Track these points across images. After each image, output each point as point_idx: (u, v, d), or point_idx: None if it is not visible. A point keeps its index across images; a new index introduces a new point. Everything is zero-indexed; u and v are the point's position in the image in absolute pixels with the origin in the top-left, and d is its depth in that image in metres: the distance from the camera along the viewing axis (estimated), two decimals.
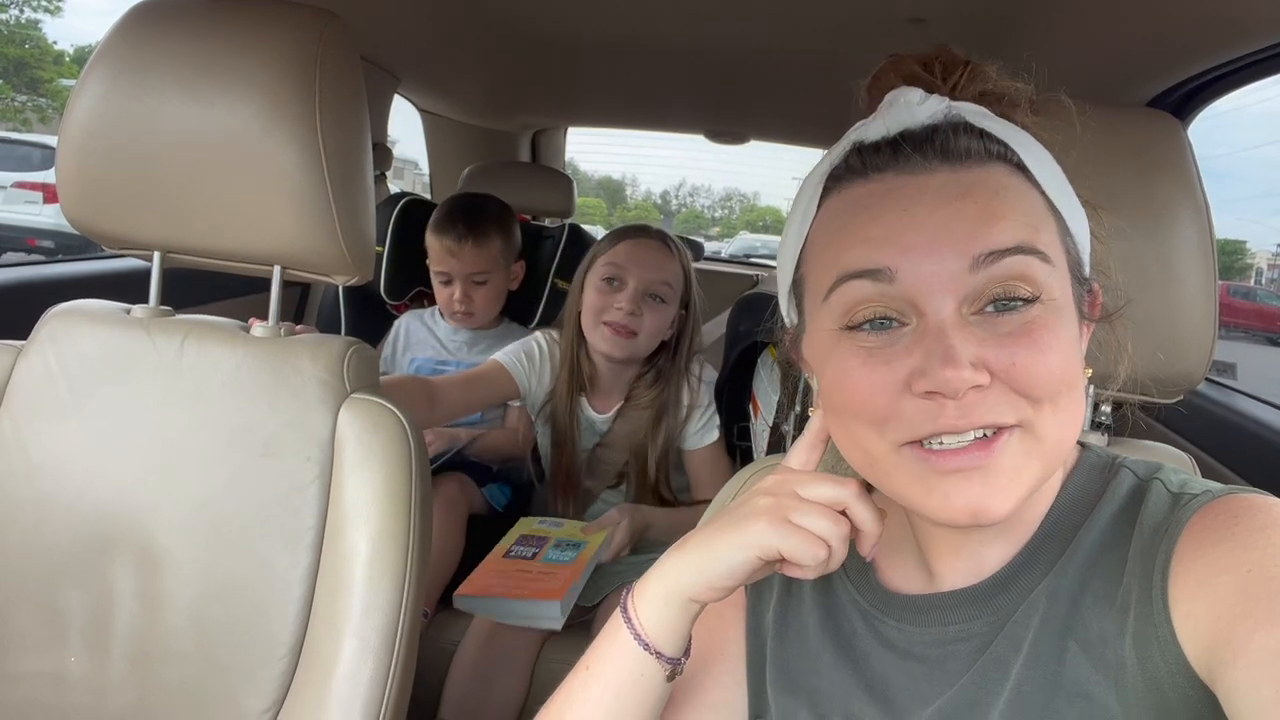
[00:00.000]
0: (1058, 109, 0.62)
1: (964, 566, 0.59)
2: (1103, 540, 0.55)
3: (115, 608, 0.87)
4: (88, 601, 0.88)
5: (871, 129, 0.58)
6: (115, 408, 0.91)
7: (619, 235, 1.60)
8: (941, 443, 0.52)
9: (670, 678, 0.59)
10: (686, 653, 0.60)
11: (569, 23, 1.98)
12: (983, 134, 0.56)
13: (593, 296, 1.56)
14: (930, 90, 0.58)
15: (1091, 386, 0.80)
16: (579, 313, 1.60)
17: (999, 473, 0.51)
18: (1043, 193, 0.56)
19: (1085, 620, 0.53)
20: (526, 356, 1.64)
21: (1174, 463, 0.81)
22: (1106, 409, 0.83)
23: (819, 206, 0.59)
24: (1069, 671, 0.52)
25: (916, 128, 0.56)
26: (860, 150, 0.57)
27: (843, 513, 0.56)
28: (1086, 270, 0.59)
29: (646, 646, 0.58)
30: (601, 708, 0.59)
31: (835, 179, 0.58)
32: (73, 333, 0.94)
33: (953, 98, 0.58)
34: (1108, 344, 0.65)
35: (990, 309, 0.52)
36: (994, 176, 0.54)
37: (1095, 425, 0.82)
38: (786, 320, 0.66)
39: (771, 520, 0.55)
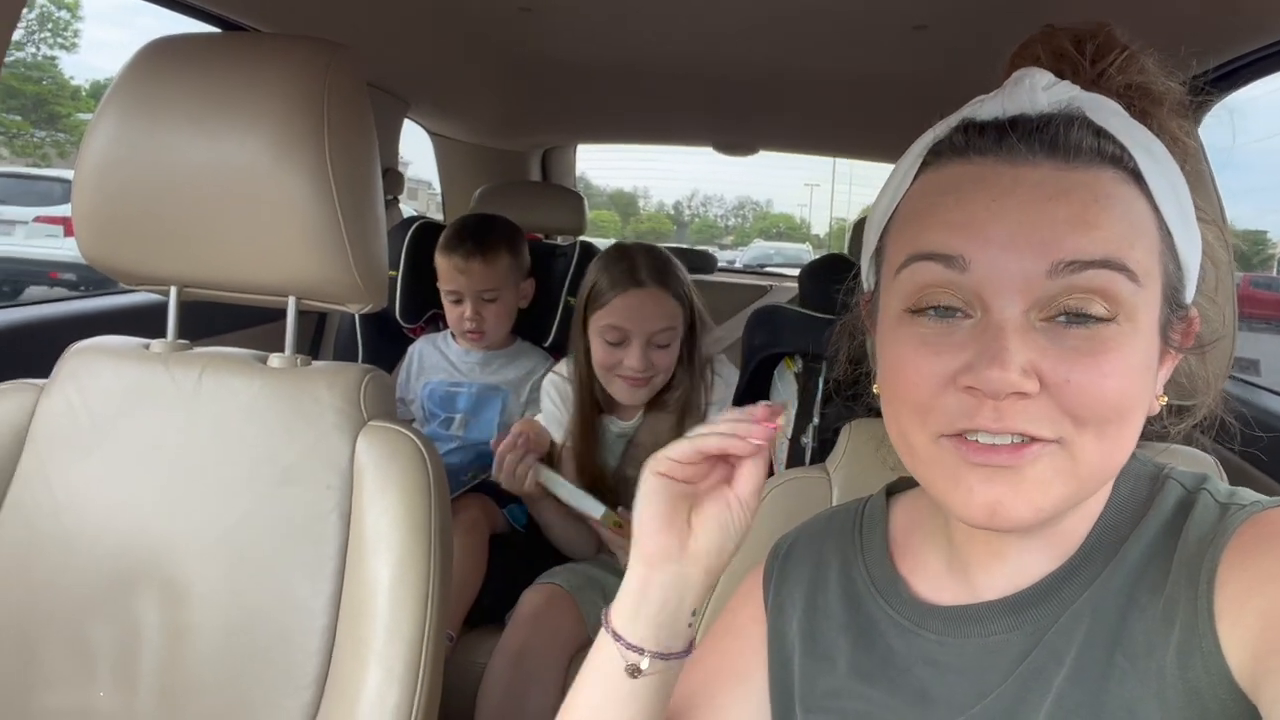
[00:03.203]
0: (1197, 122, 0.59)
1: (1005, 573, 0.58)
2: (1149, 553, 0.54)
3: (142, 641, 0.88)
4: (115, 636, 0.88)
5: (986, 107, 0.55)
6: (137, 442, 0.92)
7: (614, 282, 1.54)
8: (978, 438, 0.51)
9: (632, 672, 0.59)
10: (664, 657, 0.60)
11: (576, 45, 1.99)
12: (1100, 132, 0.52)
13: (600, 353, 1.56)
14: (1075, 71, 0.55)
15: None
16: (586, 348, 1.60)
17: (1025, 480, 0.50)
18: (1154, 206, 0.52)
19: (1132, 633, 0.52)
20: (547, 415, 1.68)
21: (1198, 466, 0.80)
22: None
23: (915, 179, 0.57)
24: (1114, 686, 0.51)
25: (1033, 114, 0.53)
26: (967, 128, 0.55)
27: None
28: (1188, 296, 0.55)
29: (606, 626, 0.60)
30: (581, 697, 0.61)
31: (936, 154, 0.56)
32: (93, 369, 0.95)
33: (1096, 85, 0.55)
34: (1197, 374, 0.61)
35: (1062, 319, 0.49)
36: (1100, 181, 0.51)
37: None
38: (866, 285, 0.64)
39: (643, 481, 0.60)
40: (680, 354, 1.61)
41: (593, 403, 1.64)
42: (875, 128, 2.50)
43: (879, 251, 0.60)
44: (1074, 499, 0.52)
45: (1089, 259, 0.49)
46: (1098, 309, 0.49)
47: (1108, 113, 0.53)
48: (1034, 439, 0.50)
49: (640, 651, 0.59)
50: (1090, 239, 0.49)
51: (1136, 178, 0.52)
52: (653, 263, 1.56)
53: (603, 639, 0.60)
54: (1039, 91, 0.53)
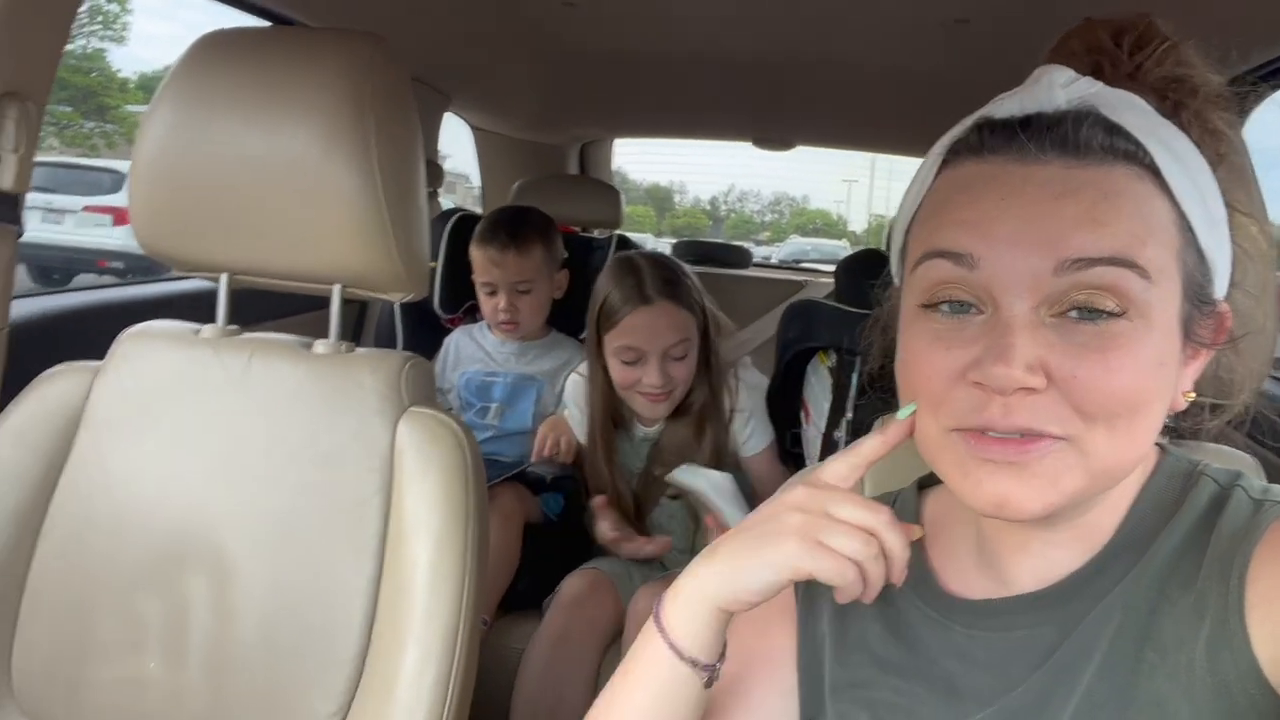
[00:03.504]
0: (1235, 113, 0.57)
1: (1032, 566, 0.58)
2: (1181, 549, 0.54)
3: (190, 617, 0.91)
4: (165, 611, 0.91)
5: (1004, 105, 0.55)
6: (187, 424, 0.95)
7: (625, 299, 1.53)
8: (987, 432, 0.51)
9: (707, 684, 0.58)
10: (722, 657, 0.59)
11: (617, 38, 2.00)
12: (1112, 129, 0.51)
13: (618, 372, 1.56)
14: (1113, 65, 0.56)
15: None
16: (603, 367, 1.60)
17: (1034, 473, 0.50)
18: (1174, 202, 0.52)
19: (1162, 629, 0.52)
20: (571, 418, 1.71)
21: (1236, 465, 0.79)
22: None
23: (936, 177, 0.57)
24: (1143, 680, 0.51)
25: (1050, 111, 0.53)
26: (982, 127, 0.55)
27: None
28: (1217, 292, 0.55)
29: (679, 654, 0.57)
30: (640, 714, 0.59)
31: (954, 152, 0.56)
32: (146, 353, 0.98)
33: (1133, 78, 0.55)
34: (1237, 370, 0.61)
35: (1073, 314, 0.50)
36: (1110, 178, 0.51)
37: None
38: (896, 281, 0.65)
39: (803, 541, 0.54)
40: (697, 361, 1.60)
41: (611, 419, 1.65)
42: (914, 123, 2.47)
43: (903, 249, 0.61)
44: (1086, 493, 0.52)
45: (1096, 256, 0.49)
46: (1107, 305, 0.49)
47: (1125, 109, 0.53)
48: (1041, 434, 0.50)
49: (711, 668, 0.58)
50: (1098, 236, 0.49)
51: (1154, 174, 0.52)
52: (660, 275, 1.55)
53: (667, 657, 0.58)
54: (1057, 89, 0.53)
